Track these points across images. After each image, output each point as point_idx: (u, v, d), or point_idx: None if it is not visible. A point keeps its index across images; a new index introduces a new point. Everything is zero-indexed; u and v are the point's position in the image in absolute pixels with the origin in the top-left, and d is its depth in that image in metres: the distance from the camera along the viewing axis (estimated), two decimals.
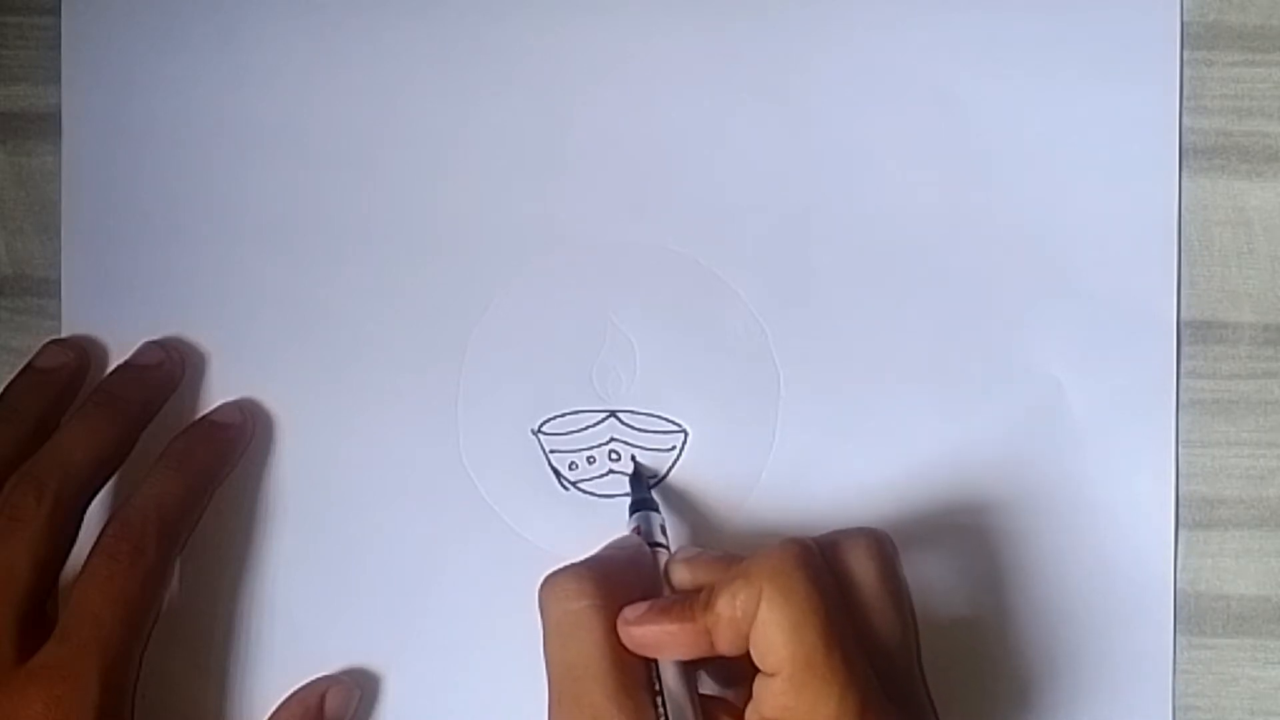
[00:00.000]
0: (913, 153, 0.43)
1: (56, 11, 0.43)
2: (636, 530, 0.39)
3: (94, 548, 0.38)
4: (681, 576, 0.37)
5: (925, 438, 0.42)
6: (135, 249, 0.43)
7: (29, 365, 0.41)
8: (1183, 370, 0.42)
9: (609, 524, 0.41)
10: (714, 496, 0.42)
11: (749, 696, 0.34)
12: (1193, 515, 0.42)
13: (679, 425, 0.42)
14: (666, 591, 0.37)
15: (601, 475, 0.42)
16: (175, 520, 0.39)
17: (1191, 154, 0.43)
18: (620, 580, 0.36)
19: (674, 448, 0.42)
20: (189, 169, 0.43)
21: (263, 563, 0.42)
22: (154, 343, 0.42)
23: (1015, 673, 0.42)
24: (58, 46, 0.43)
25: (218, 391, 0.43)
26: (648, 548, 0.38)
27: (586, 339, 0.43)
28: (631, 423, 0.42)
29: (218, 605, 0.42)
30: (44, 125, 0.43)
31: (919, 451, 0.42)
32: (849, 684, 0.33)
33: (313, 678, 0.42)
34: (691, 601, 0.35)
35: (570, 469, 0.42)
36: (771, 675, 0.33)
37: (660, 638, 0.34)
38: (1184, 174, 0.43)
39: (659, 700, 0.34)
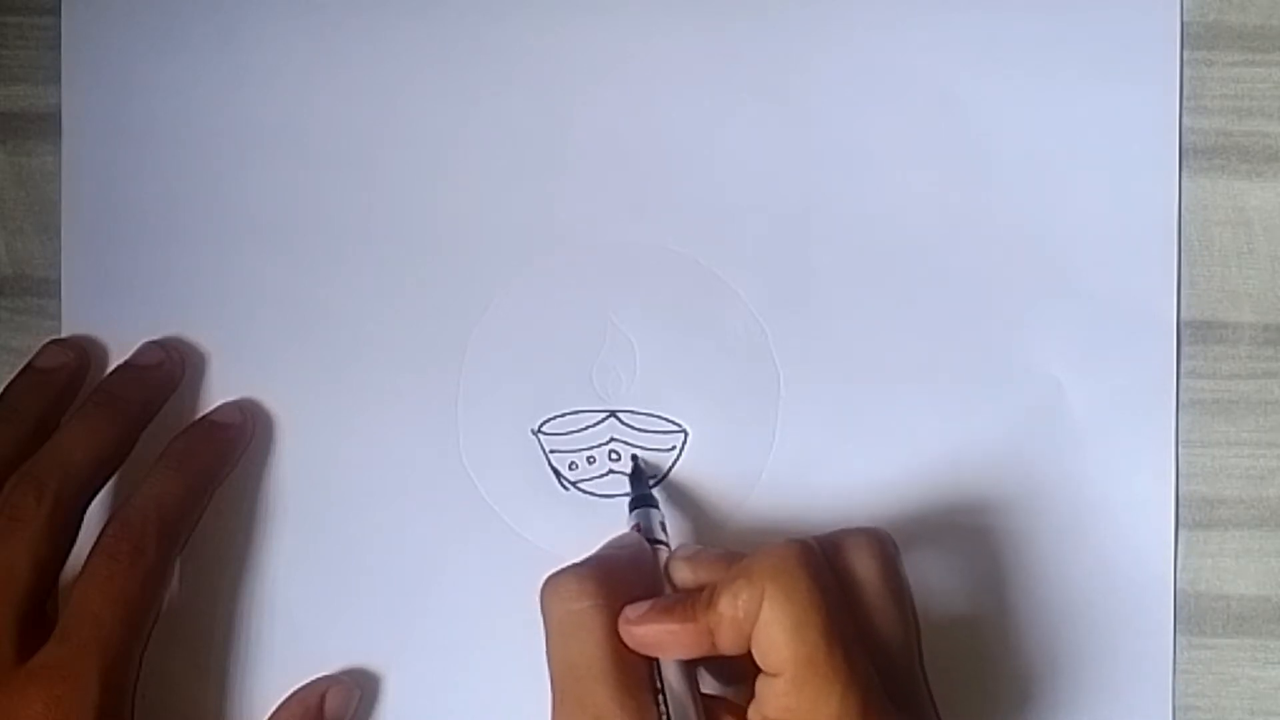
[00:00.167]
0: (913, 153, 0.43)
1: (56, 11, 0.43)
2: (636, 527, 0.39)
3: (94, 548, 0.38)
4: (683, 574, 0.37)
5: (925, 438, 0.42)
6: (135, 249, 0.43)
7: (29, 365, 0.41)
8: (1183, 370, 0.42)
9: (609, 524, 0.41)
10: (714, 496, 0.42)
11: (750, 695, 0.34)
12: (1193, 515, 0.42)
13: (679, 425, 0.42)
14: (667, 589, 0.37)
15: (601, 475, 0.42)
16: (175, 520, 0.39)
17: (1191, 154, 0.43)
18: (622, 579, 0.36)
19: (674, 448, 0.42)
20: (189, 169, 0.43)
21: (263, 563, 0.42)
22: (154, 343, 0.42)
23: (1014, 672, 0.42)
24: (58, 46, 0.43)
25: (218, 391, 0.43)
26: (648, 545, 0.38)
27: (586, 339, 0.43)
28: (631, 423, 0.42)
29: (218, 605, 0.42)
30: (44, 125, 0.43)
31: (919, 451, 0.42)
32: (851, 684, 0.33)
33: (313, 678, 0.42)
34: (693, 601, 0.35)
35: (570, 469, 0.42)
36: (774, 675, 0.33)
37: (662, 637, 0.34)
38: (1184, 174, 0.43)
39: (661, 699, 0.34)
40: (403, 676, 0.42)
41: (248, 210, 0.43)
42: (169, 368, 0.42)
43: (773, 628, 0.33)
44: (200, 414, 0.42)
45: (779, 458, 0.42)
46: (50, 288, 0.43)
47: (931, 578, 0.41)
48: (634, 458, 0.42)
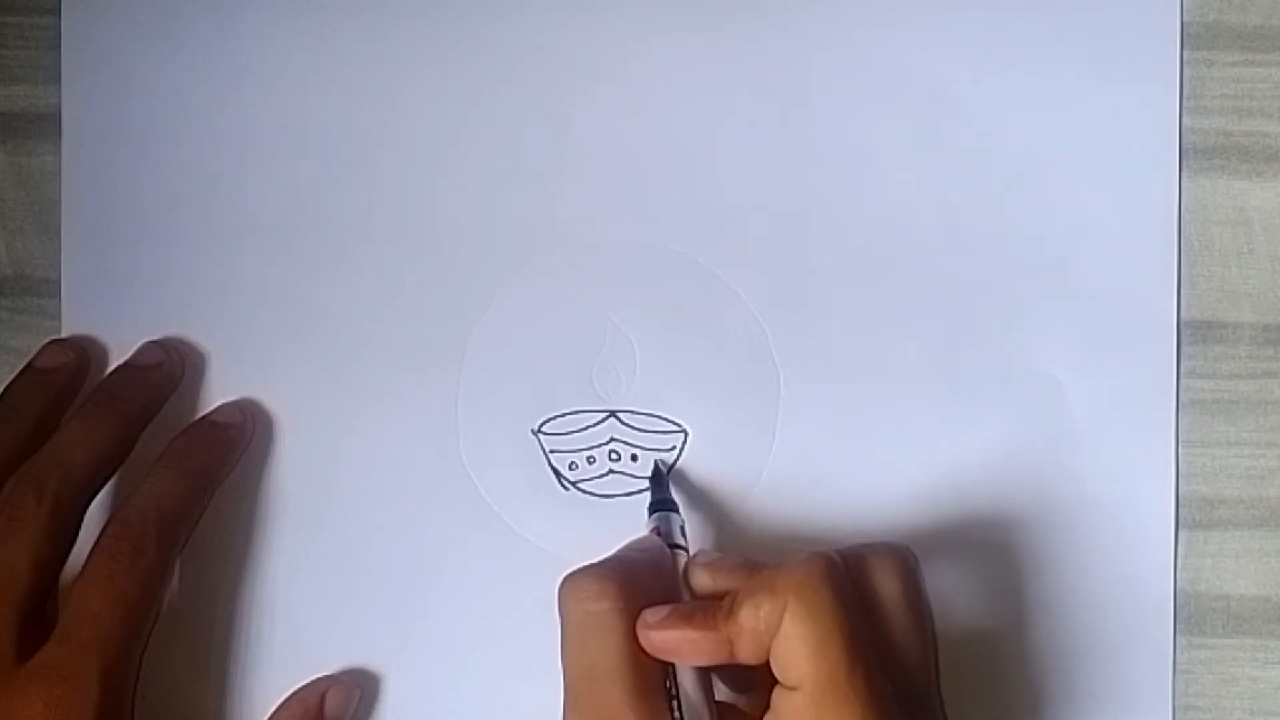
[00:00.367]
0: (912, 153, 0.43)
1: (56, 11, 0.43)
2: (656, 531, 0.39)
3: (94, 548, 0.38)
4: (701, 581, 0.37)
5: (925, 438, 0.42)
6: (135, 249, 0.43)
7: (29, 365, 0.41)
8: (1183, 370, 0.42)
9: (609, 524, 0.41)
10: (714, 496, 0.42)
11: (764, 705, 0.34)
12: (1193, 515, 0.42)
13: (679, 425, 0.42)
14: (685, 595, 0.37)
15: (601, 475, 0.42)
16: (175, 520, 0.39)
17: (1191, 154, 0.43)
18: (641, 583, 0.35)
19: (674, 448, 0.42)
20: (189, 169, 0.43)
21: (263, 563, 0.42)
22: (154, 343, 0.42)
23: (1014, 672, 0.42)
24: (58, 46, 0.43)
25: (218, 391, 0.43)
26: (668, 550, 0.38)
27: (586, 339, 0.43)
28: (631, 423, 0.42)
29: (218, 605, 0.42)
30: (44, 125, 0.43)
31: (919, 452, 0.42)
32: (871, 704, 0.33)
33: (313, 678, 0.42)
34: (714, 609, 0.34)
35: (570, 469, 0.42)
36: (792, 689, 0.33)
37: (680, 643, 0.34)
38: (1184, 174, 0.43)
39: (675, 705, 0.34)
40: (403, 676, 0.42)
41: (248, 210, 0.43)
42: (169, 368, 0.42)
43: (794, 642, 0.33)
44: (200, 414, 0.42)
45: (779, 458, 0.42)
46: (50, 288, 0.43)
47: (930, 577, 0.41)
48: (656, 462, 0.42)
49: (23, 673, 0.37)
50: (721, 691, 0.37)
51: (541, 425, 0.42)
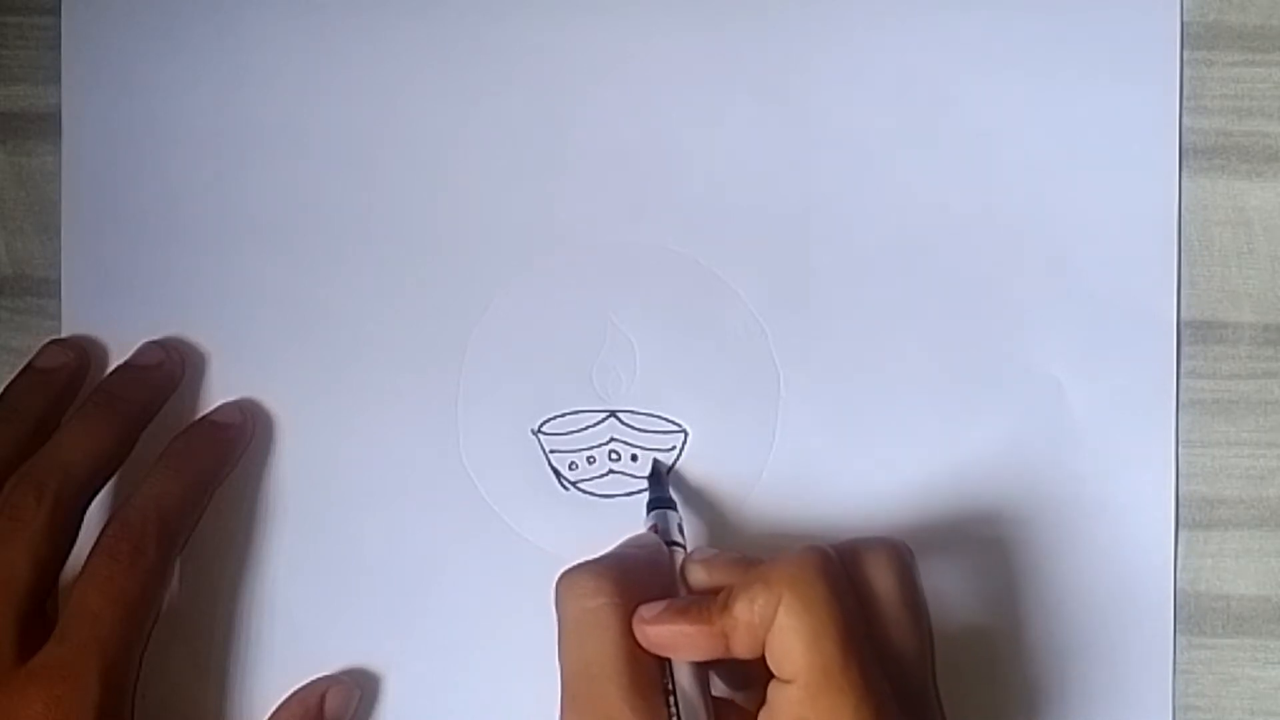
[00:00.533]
0: (912, 153, 0.43)
1: (56, 11, 0.43)
2: (654, 528, 0.39)
3: (94, 548, 0.38)
4: (698, 577, 0.37)
5: (925, 438, 0.42)
6: (135, 249, 0.43)
7: (29, 365, 0.41)
8: (1183, 370, 0.42)
9: (609, 524, 0.41)
10: (714, 496, 0.42)
11: (760, 700, 0.34)
12: (1193, 515, 0.42)
13: (679, 425, 0.42)
14: (682, 591, 0.37)
15: (601, 475, 0.42)
16: (175, 520, 0.39)
17: (1191, 154, 0.43)
18: (638, 579, 0.35)
19: (674, 448, 0.42)
20: (189, 169, 0.43)
21: (263, 563, 0.42)
22: (154, 343, 0.42)
23: (1014, 672, 0.42)
24: (58, 46, 0.43)
25: (218, 391, 0.43)
26: (665, 547, 0.38)
27: (586, 339, 0.43)
28: (631, 423, 0.42)
29: (218, 605, 0.42)
30: (44, 125, 0.43)
31: (919, 452, 0.42)
32: (865, 696, 0.33)
33: (313, 678, 0.42)
34: (709, 604, 0.34)
35: (570, 469, 0.42)
36: (787, 682, 0.33)
37: (676, 638, 0.34)
38: (1184, 174, 0.43)
39: (671, 701, 0.34)
40: (403, 676, 0.42)
41: (248, 210, 0.43)
42: (169, 368, 0.42)
43: (788, 635, 0.33)
44: (200, 414, 0.42)
45: (779, 458, 0.42)
46: (50, 288, 0.43)
47: (930, 577, 0.41)
48: (655, 460, 0.42)
49: (23, 673, 0.37)
50: (718, 687, 0.37)
51: (541, 425, 0.42)
